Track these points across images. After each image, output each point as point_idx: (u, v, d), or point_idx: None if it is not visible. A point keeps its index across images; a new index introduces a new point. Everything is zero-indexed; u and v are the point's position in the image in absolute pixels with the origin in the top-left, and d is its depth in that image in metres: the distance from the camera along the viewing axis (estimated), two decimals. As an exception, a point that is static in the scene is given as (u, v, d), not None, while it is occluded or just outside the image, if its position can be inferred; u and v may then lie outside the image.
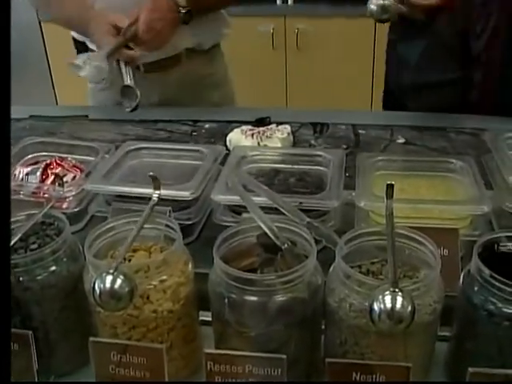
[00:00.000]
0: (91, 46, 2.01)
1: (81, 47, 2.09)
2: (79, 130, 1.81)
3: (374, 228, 0.98)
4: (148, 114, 1.90)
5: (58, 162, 1.40)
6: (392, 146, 1.63)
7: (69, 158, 1.43)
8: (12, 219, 1.03)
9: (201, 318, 1.06)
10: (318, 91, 3.45)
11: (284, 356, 0.86)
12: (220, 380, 0.90)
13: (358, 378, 0.87)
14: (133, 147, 1.42)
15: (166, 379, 0.92)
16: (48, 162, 1.40)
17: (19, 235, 1.01)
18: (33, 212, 1.07)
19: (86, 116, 1.94)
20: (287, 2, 3.74)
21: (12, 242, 0.99)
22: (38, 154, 1.49)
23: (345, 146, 1.61)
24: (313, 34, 3.64)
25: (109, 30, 1.75)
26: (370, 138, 1.68)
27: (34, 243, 1.03)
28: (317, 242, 0.98)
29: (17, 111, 1.78)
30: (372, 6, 1.37)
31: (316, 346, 0.97)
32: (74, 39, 2.11)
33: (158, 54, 1.93)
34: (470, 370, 0.85)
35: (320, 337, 0.98)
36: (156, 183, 1.06)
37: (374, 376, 0.87)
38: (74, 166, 1.40)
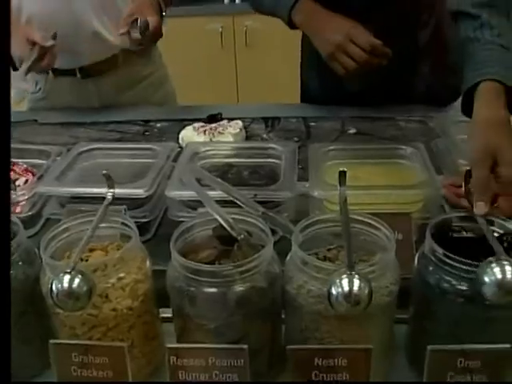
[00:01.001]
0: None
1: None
2: (29, 135, 1.79)
3: (328, 215, 0.99)
4: (98, 115, 1.90)
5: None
6: (343, 137, 1.64)
7: (20, 162, 1.41)
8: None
9: (161, 316, 1.06)
10: (269, 87, 3.47)
11: (245, 346, 0.86)
12: (183, 375, 0.90)
13: (320, 364, 0.88)
14: (85, 148, 1.41)
15: (130, 378, 0.92)
16: (-1, 167, 1.38)
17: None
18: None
19: (36, 120, 1.92)
20: (235, 1, 3.75)
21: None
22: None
23: (296, 139, 1.62)
24: (261, 31, 3.66)
25: (23, 43, 1.74)
26: (321, 130, 1.69)
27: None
28: (273, 232, 0.99)
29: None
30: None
31: (277, 335, 0.98)
32: None
33: (94, 56, 1.94)
34: (429, 348, 0.86)
35: (281, 325, 0.98)
36: (110, 182, 1.06)
37: (335, 360, 0.88)
38: (26, 169, 1.39)
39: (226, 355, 0.88)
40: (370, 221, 0.96)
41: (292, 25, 1.65)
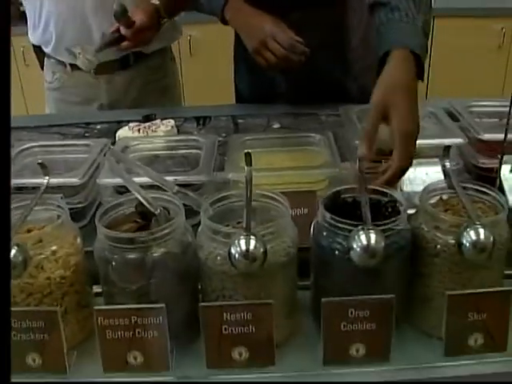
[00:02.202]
0: (46, 49, 2.19)
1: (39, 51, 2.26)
2: None
3: (235, 191, 1.14)
4: (41, 120, 2.01)
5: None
6: (268, 131, 1.78)
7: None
8: None
9: (94, 291, 1.18)
10: (212, 93, 3.61)
11: (163, 305, 1.00)
12: (110, 334, 1.03)
13: (228, 318, 1.02)
14: (25, 146, 1.53)
15: (64, 342, 1.05)
16: None
17: None
18: None
19: None
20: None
21: None
22: None
23: (224, 134, 1.75)
24: (203, 41, 3.82)
25: None
26: (248, 126, 1.83)
27: None
28: (195, 213, 1.13)
29: None
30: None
31: (193, 296, 1.11)
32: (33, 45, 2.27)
33: (107, 54, 2.05)
34: (323, 300, 1.01)
35: (196, 287, 1.12)
36: (45, 170, 1.18)
37: (241, 314, 1.01)
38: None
39: (146, 314, 1.01)
40: (270, 194, 1.10)
41: (224, 21, 1.79)
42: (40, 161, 1.17)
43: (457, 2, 4.04)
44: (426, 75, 3.55)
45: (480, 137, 1.39)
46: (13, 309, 1.06)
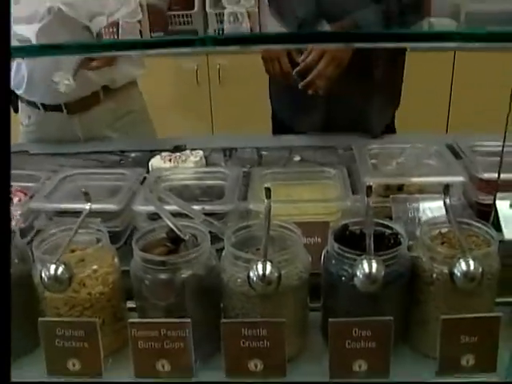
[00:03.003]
0: (18, 92, 2.32)
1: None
2: (21, 164, 2.03)
3: (255, 221, 1.28)
4: (80, 147, 2.18)
5: (5, 188, 1.66)
6: (288, 164, 1.93)
7: (13, 185, 1.69)
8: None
9: (128, 306, 1.33)
10: (241, 120, 3.76)
11: (189, 320, 1.15)
12: (142, 344, 1.18)
13: (246, 333, 1.16)
14: (68, 173, 1.70)
15: (101, 349, 1.20)
16: (-5, 189, 1.66)
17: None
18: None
19: (27, 151, 2.20)
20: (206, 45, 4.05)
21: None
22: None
23: (248, 166, 1.89)
24: (233, 69, 3.96)
25: None
26: (271, 158, 1.98)
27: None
28: (219, 239, 1.28)
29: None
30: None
31: (215, 313, 1.25)
32: None
33: (78, 92, 2.19)
34: (330, 320, 1.15)
35: (219, 305, 1.26)
36: (87, 197, 1.33)
37: (258, 331, 1.16)
38: (19, 190, 1.66)
39: (173, 327, 1.16)
40: (286, 225, 1.24)
41: None
42: (84, 189, 1.31)
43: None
44: (446, 109, 3.71)
45: (479, 175, 1.53)
46: (57, 319, 1.22)
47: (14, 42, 1.99)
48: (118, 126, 2.40)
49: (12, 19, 2.05)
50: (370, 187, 1.30)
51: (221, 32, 3.40)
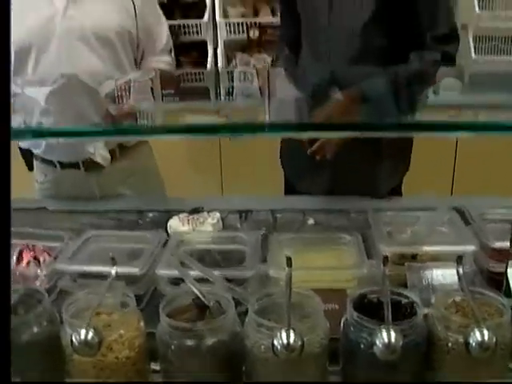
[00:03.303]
0: (36, 151, 2.39)
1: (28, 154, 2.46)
2: (41, 220, 2.10)
3: (276, 289, 1.33)
4: (99, 204, 2.25)
5: (30, 247, 1.71)
6: (304, 227, 1.99)
7: (38, 245, 1.74)
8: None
9: (152, 368, 1.38)
10: (251, 179, 3.82)
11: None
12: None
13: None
14: (91, 234, 1.75)
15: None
16: (21, 248, 1.71)
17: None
18: (17, 288, 1.39)
19: (45, 208, 2.26)
20: (220, 99, 4.14)
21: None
22: (12, 241, 1.79)
23: (265, 229, 1.95)
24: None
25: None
26: (285, 221, 2.04)
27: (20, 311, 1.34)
28: (240, 303, 1.33)
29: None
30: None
31: (238, 377, 1.30)
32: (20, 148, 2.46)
33: None
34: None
35: (241, 369, 1.30)
36: (114, 262, 1.39)
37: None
38: (44, 250, 1.71)
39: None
40: (307, 293, 1.29)
41: None
42: (111, 255, 1.37)
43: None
44: (451, 172, 3.77)
45: (491, 244, 1.58)
46: (85, 380, 1.26)
47: (21, 104, 2.12)
48: (132, 183, 2.46)
49: (25, 82, 2.17)
50: (386, 257, 1.35)
51: (231, 89, 3.53)
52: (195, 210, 1.98)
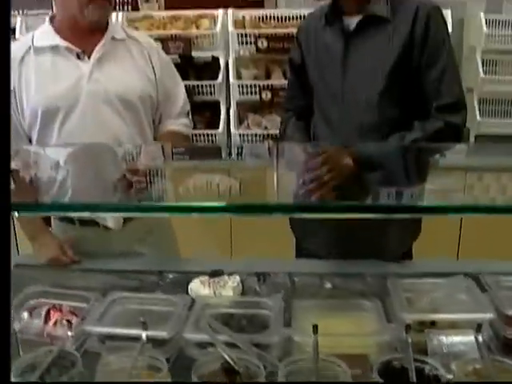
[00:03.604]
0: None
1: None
2: (64, 279, 2.14)
3: (305, 356, 1.38)
4: (116, 263, 2.30)
5: (57, 307, 1.76)
6: (321, 291, 2.03)
7: (65, 305, 1.79)
8: (32, 354, 1.40)
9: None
10: (261, 240, 3.86)
11: None
12: None
13: None
14: (117, 296, 1.80)
15: None
16: (49, 308, 1.76)
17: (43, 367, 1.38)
18: (49, 349, 1.44)
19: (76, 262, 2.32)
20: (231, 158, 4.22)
21: (39, 373, 1.36)
22: (39, 300, 1.84)
23: (283, 292, 1.98)
24: (254, 184, 4.10)
25: None
26: (303, 285, 2.08)
27: (54, 372, 1.39)
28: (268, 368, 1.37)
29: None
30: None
31: None
32: None
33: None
34: None
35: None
36: (145, 326, 1.44)
37: None
38: (70, 311, 1.76)
39: None
40: (333, 359, 1.34)
41: None
42: (142, 319, 1.42)
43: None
44: (457, 234, 3.80)
45: (507, 312, 1.63)
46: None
47: (42, 163, 2.20)
48: (148, 242, 2.51)
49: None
50: (409, 325, 1.41)
51: (241, 149, 3.60)
52: (215, 273, 2.03)
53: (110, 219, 2.21)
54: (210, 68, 3.95)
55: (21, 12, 4.39)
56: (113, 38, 2.33)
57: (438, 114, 2.16)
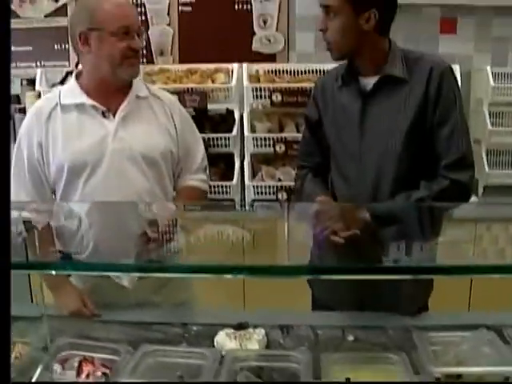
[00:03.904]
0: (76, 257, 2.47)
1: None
2: (90, 330, 2.15)
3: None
4: (137, 315, 2.33)
5: (89, 360, 1.80)
6: (344, 344, 2.07)
7: (96, 358, 1.83)
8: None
9: None
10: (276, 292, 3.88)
11: None
12: None
13: None
14: (148, 350, 1.84)
15: None
16: (81, 360, 1.80)
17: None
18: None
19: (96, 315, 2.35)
20: (245, 209, 4.25)
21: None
22: (70, 352, 1.88)
23: (307, 344, 2.02)
24: (266, 234, 4.14)
25: None
26: (326, 338, 2.11)
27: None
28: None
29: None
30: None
31: None
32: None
33: None
34: None
35: None
36: (181, 380, 1.48)
37: None
38: (102, 364, 1.80)
39: None
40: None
41: None
42: (179, 373, 1.46)
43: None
44: (468, 286, 3.78)
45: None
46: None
47: (68, 215, 2.25)
48: (163, 293, 2.54)
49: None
50: (439, 379, 1.45)
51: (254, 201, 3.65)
52: (241, 326, 2.07)
53: (126, 278, 2.25)
54: (225, 121, 4.03)
55: (38, 63, 4.55)
56: (137, 97, 2.41)
57: (445, 172, 2.22)
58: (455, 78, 2.30)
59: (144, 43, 2.41)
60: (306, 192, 2.52)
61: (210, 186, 3.91)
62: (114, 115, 2.36)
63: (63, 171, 2.33)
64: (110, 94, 2.36)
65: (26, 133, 2.38)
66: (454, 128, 2.23)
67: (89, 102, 2.34)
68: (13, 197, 2.35)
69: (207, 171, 2.70)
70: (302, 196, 2.56)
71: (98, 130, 2.35)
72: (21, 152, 2.37)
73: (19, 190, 2.37)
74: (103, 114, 2.36)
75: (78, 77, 2.43)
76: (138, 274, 2.24)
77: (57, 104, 2.36)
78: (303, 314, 2.34)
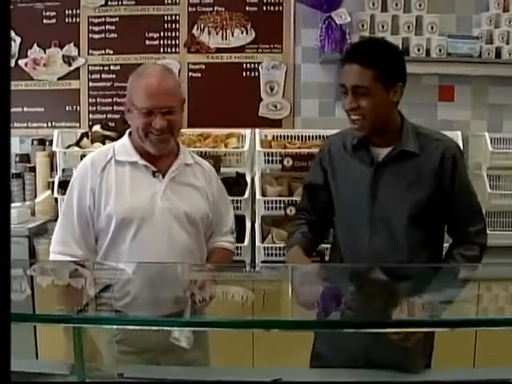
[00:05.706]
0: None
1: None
2: None
3: None
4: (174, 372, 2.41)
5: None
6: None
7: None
8: None
9: None
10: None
11: None
12: None
13: None
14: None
15: None
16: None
17: None
18: None
19: (121, 374, 2.33)
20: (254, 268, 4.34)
21: None
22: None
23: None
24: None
25: None
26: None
27: None
28: None
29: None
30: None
31: None
32: None
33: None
34: None
35: None
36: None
37: None
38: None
39: None
40: None
41: None
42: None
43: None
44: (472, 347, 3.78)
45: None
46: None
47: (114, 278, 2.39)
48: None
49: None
50: None
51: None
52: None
53: (184, 339, 2.33)
54: (237, 184, 4.16)
55: (49, 124, 4.78)
56: (185, 164, 2.64)
57: (473, 238, 2.43)
58: (463, 158, 2.49)
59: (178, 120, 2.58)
60: (292, 238, 2.68)
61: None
62: (163, 176, 2.57)
63: (112, 222, 2.50)
64: (157, 157, 2.58)
65: (80, 180, 2.56)
66: (468, 208, 2.46)
67: (141, 161, 2.56)
68: (59, 240, 2.57)
69: (234, 234, 2.93)
70: (289, 240, 2.71)
71: (148, 188, 2.56)
72: (71, 197, 2.55)
73: (66, 234, 2.55)
74: (153, 174, 2.57)
75: (130, 134, 2.64)
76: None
77: (111, 158, 2.57)
78: (309, 372, 2.48)
